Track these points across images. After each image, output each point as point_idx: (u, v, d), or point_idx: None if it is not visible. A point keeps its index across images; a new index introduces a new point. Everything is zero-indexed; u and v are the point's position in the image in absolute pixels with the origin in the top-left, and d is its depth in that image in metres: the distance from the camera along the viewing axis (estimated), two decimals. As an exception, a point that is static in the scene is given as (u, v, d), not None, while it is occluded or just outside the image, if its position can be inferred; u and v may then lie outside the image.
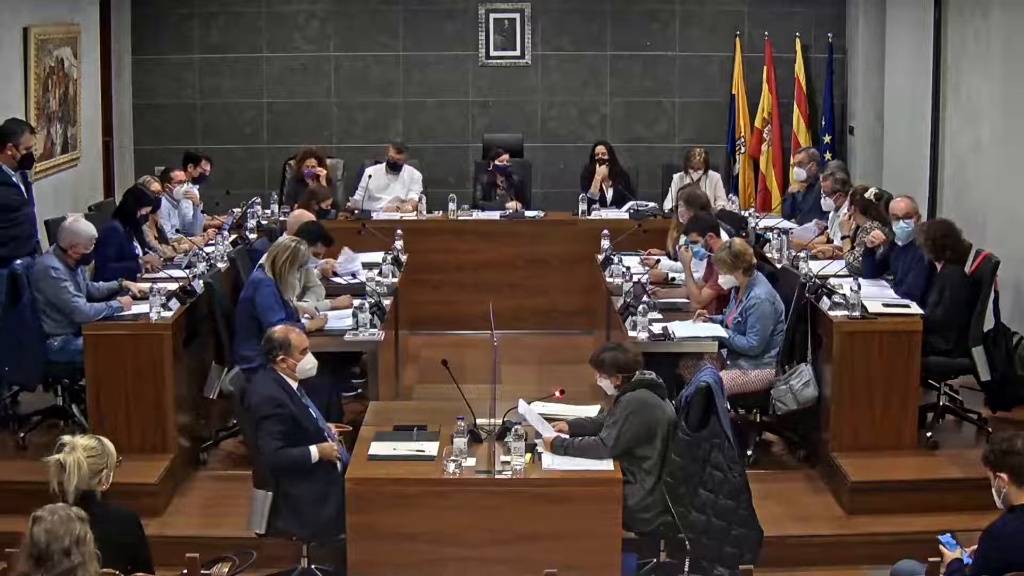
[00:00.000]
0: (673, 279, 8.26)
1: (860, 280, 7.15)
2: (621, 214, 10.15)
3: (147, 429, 6.71)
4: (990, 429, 7.03)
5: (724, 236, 7.80)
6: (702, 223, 7.91)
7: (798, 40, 11.90)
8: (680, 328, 7.12)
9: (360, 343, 7.19)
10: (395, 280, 8.34)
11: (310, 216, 8.31)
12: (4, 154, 7.67)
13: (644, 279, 7.92)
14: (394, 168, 10.56)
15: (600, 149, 10.73)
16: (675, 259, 8.57)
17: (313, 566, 5.74)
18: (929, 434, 6.97)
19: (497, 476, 5.40)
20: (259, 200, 9.93)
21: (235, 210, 9.78)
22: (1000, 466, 4.51)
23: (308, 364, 5.81)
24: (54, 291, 6.86)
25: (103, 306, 6.93)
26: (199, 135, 12.12)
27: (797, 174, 10.11)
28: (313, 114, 12.22)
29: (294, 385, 5.69)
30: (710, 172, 10.51)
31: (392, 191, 10.56)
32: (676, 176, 10.50)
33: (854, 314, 6.83)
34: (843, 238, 8.54)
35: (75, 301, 6.87)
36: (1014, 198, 8.41)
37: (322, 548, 5.76)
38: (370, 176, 10.54)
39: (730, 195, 10.68)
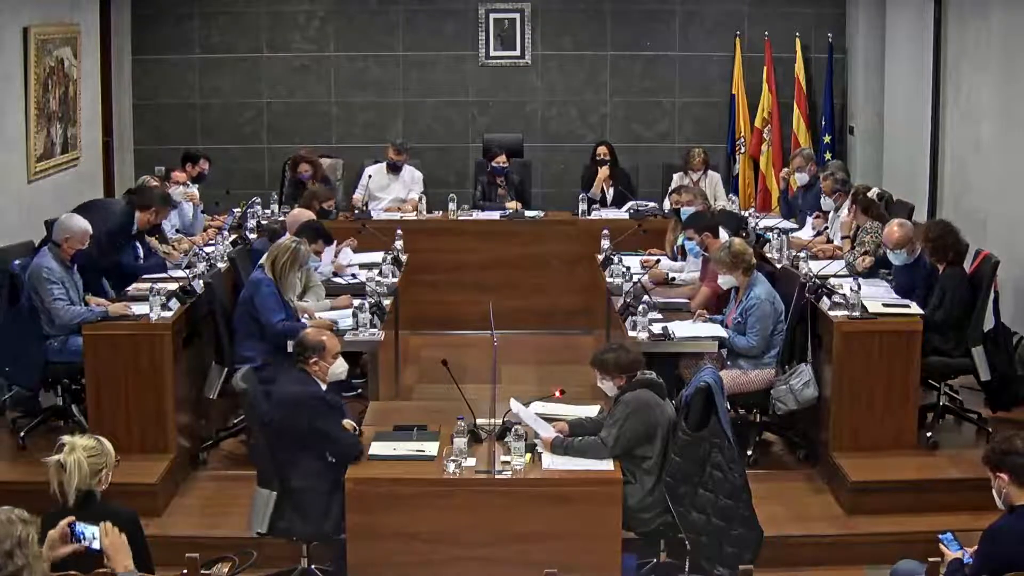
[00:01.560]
0: (673, 279, 8.26)
1: (860, 280, 7.15)
2: (621, 214, 10.15)
3: (147, 429, 6.71)
4: (990, 429, 7.03)
5: (724, 235, 7.82)
6: (700, 221, 7.92)
7: (798, 40, 11.90)
8: (680, 328, 7.11)
9: (360, 343, 7.19)
10: (395, 280, 8.34)
11: (310, 215, 8.32)
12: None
13: (644, 279, 7.94)
14: (394, 169, 10.56)
15: (602, 149, 10.73)
16: (675, 259, 8.58)
17: (313, 566, 5.74)
18: (929, 434, 6.97)
19: (497, 476, 5.40)
20: (259, 200, 9.94)
21: (235, 210, 9.78)
22: (1000, 466, 4.51)
23: (339, 368, 5.83)
24: (42, 291, 6.86)
25: (83, 310, 6.90)
26: (199, 135, 12.12)
27: (799, 179, 10.09)
28: (313, 114, 12.22)
29: (323, 388, 5.71)
30: (709, 172, 10.52)
31: (392, 191, 10.55)
32: (676, 176, 10.51)
33: (854, 314, 6.83)
34: (843, 238, 8.54)
35: (55, 304, 6.84)
36: (1014, 198, 8.41)
37: (323, 548, 5.75)
38: (370, 176, 10.54)
39: (730, 195, 10.69)
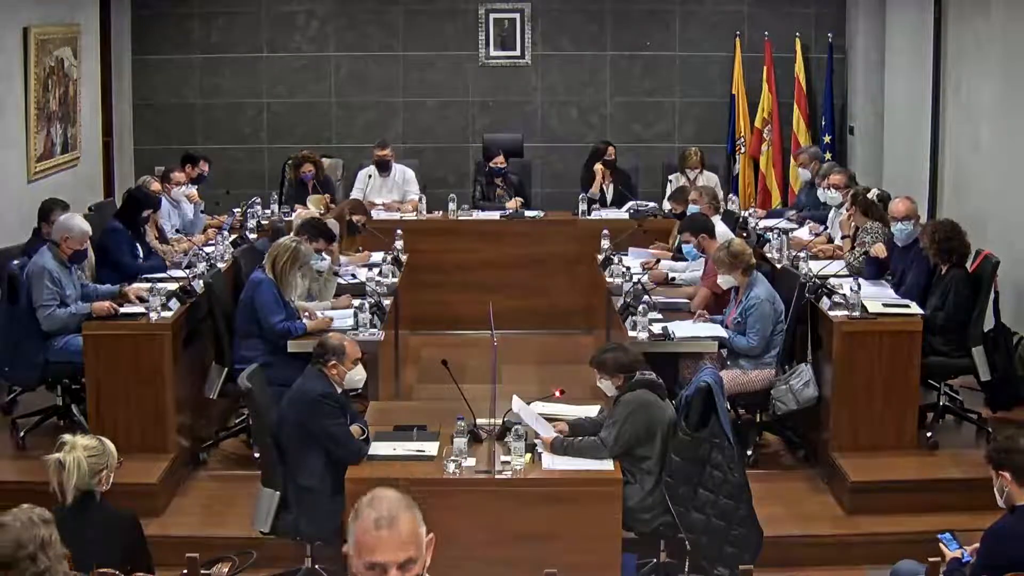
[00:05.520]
0: (673, 279, 8.26)
1: (860, 280, 7.15)
2: (621, 214, 10.15)
3: (147, 429, 6.71)
4: (990, 429, 7.03)
5: (724, 231, 7.83)
6: (695, 223, 7.93)
7: (798, 40, 11.91)
8: (680, 328, 7.11)
9: (360, 343, 7.17)
10: (395, 280, 8.33)
11: (313, 214, 8.32)
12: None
13: (644, 278, 7.95)
14: (383, 167, 10.53)
15: (612, 150, 10.67)
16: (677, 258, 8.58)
17: (318, 566, 5.73)
18: (929, 434, 6.96)
19: (497, 476, 5.39)
20: (259, 200, 9.94)
21: (235, 210, 9.78)
22: (1002, 465, 4.51)
23: (358, 375, 5.84)
24: (35, 292, 6.85)
25: (65, 314, 6.88)
26: (199, 135, 12.12)
27: (801, 174, 10.12)
28: (313, 114, 12.22)
29: (339, 391, 5.71)
30: (706, 172, 10.51)
31: (385, 193, 10.51)
32: (672, 177, 10.51)
33: (854, 314, 6.83)
34: (843, 238, 8.54)
35: (40, 309, 6.83)
36: (1014, 198, 8.41)
37: (326, 548, 5.75)
38: (370, 176, 10.54)
39: (730, 195, 10.68)
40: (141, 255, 8.13)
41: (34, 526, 3.64)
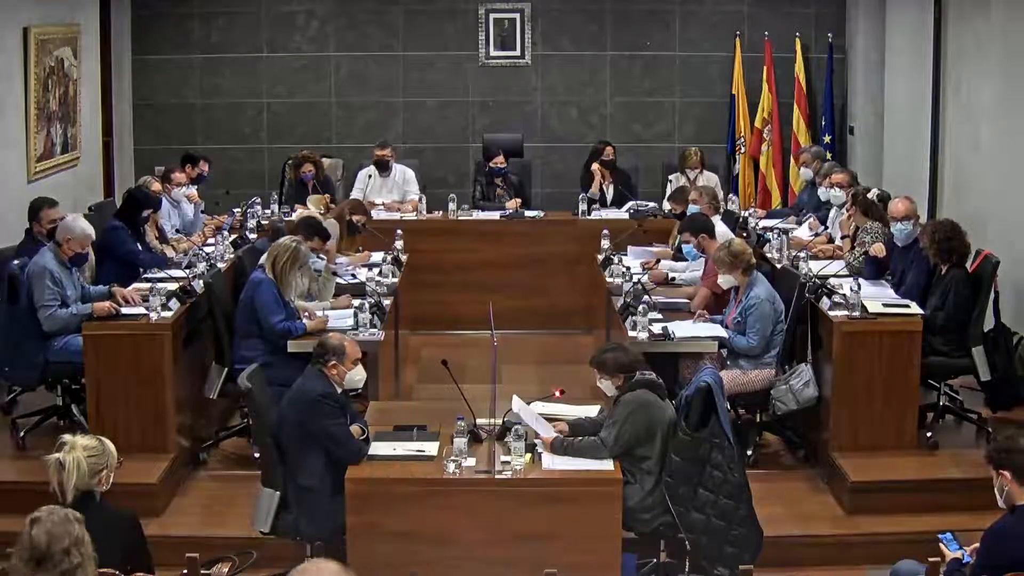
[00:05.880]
0: (673, 279, 8.26)
1: (860, 280, 7.15)
2: (621, 214, 10.15)
3: (147, 429, 6.71)
4: (990, 429, 7.03)
5: (724, 231, 7.82)
6: (695, 223, 7.93)
7: (798, 40, 11.91)
8: (680, 328, 7.11)
9: (360, 343, 7.17)
10: (395, 280, 8.34)
11: (313, 213, 8.32)
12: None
13: (644, 278, 7.95)
14: (383, 167, 10.52)
15: (609, 150, 10.69)
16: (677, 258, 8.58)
17: (318, 566, 5.72)
18: (929, 434, 6.96)
19: (497, 476, 5.40)
20: (259, 200, 9.94)
21: (235, 210, 9.78)
22: (1003, 464, 4.51)
23: (358, 376, 5.83)
24: (36, 291, 6.85)
25: (66, 314, 6.87)
26: (199, 135, 12.12)
27: (803, 174, 10.13)
28: (313, 114, 12.22)
29: (339, 391, 5.70)
30: (706, 172, 10.51)
31: (385, 193, 10.51)
32: (672, 177, 10.51)
33: (854, 314, 6.83)
34: (843, 238, 8.54)
35: (42, 308, 6.82)
36: (1014, 198, 8.41)
37: (326, 548, 5.75)
38: (370, 176, 10.54)
39: (730, 195, 10.68)
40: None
41: (68, 522, 3.77)
